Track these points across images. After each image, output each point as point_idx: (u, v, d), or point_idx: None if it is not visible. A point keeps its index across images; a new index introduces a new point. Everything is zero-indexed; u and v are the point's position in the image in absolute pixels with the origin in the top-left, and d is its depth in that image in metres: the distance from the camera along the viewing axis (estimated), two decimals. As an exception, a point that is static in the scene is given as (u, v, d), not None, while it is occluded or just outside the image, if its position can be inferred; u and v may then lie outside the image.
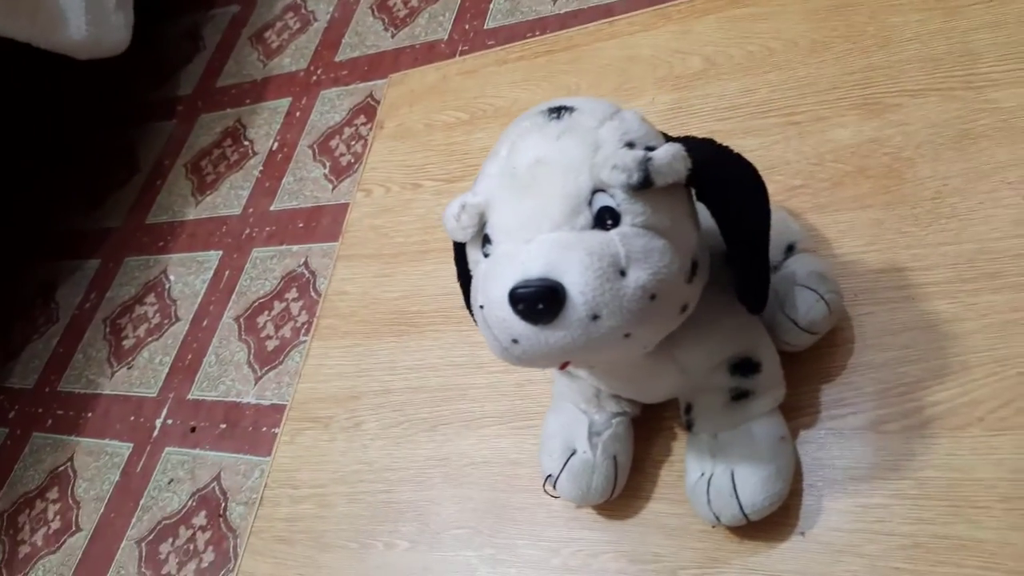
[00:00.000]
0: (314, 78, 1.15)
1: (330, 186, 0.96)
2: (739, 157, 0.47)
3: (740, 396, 0.51)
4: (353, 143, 1.01)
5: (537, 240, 0.41)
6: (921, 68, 0.65)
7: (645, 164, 0.40)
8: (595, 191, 0.41)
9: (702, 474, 0.51)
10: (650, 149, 0.42)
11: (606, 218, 0.41)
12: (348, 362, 0.78)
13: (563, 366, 0.45)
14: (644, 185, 0.40)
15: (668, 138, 0.46)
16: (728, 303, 0.49)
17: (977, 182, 0.58)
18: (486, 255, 0.44)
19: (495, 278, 0.41)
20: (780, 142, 0.68)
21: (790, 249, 0.56)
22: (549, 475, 0.55)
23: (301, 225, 0.96)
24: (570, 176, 0.41)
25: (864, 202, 0.61)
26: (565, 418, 0.56)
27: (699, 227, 0.46)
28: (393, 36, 1.10)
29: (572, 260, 0.39)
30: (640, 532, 0.55)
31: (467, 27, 1.04)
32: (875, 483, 0.50)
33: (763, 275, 0.48)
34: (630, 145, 0.42)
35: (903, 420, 0.51)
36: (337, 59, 1.16)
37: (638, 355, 0.45)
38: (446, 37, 1.05)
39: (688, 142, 0.44)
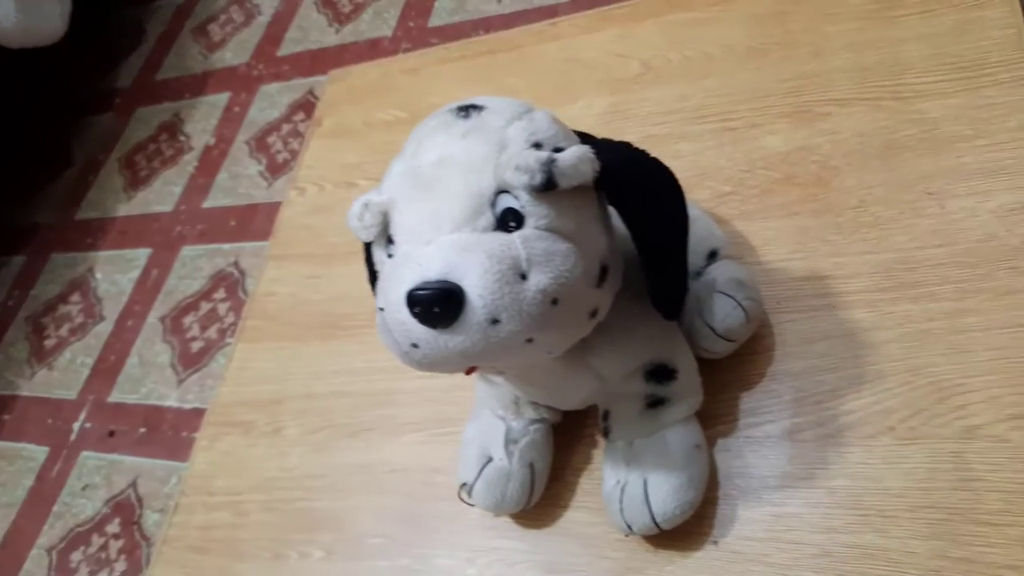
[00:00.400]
0: (255, 72, 1.13)
1: (265, 184, 0.94)
2: (655, 162, 0.46)
3: (655, 403, 0.50)
4: (291, 140, 0.99)
5: (437, 241, 0.39)
6: (851, 78, 0.66)
7: (549, 165, 0.39)
8: (499, 192, 0.40)
9: (617, 482, 0.50)
10: (558, 150, 0.41)
11: (509, 220, 0.40)
12: (273, 365, 0.75)
13: (469, 371, 0.44)
14: (547, 187, 0.39)
15: (585, 139, 0.44)
16: (644, 309, 0.48)
17: (900, 192, 0.58)
18: (390, 256, 0.43)
19: (395, 280, 0.40)
20: (713, 148, 0.68)
21: (712, 255, 0.56)
22: (464, 483, 0.54)
23: (234, 223, 0.93)
24: (473, 176, 0.40)
25: (791, 210, 0.61)
26: (482, 425, 0.55)
27: (611, 231, 0.45)
28: (337, 32, 1.08)
29: (471, 262, 0.38)
30: (557, 542, 0.54)
31: (411, 24, 1.02)
32: (788, 492, 0.50)
33: (678, 281, 0.47)
34: (537, 146, 0.41)
35: (818, 428, 0.51)
36: (279, 54, 1.13)
37: (545, 360, 0.44)
38: (390, 34, 1.03)
39: (600, 145, 0.43)
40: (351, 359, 0.72)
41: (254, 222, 0.93)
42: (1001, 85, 0.59)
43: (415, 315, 0.38)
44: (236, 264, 0.89)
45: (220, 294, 0.88)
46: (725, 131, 0.68)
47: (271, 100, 1.07)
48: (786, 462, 0.51)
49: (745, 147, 0.66)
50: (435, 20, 1.01)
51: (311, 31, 1.12)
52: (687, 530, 0.50)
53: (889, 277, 0.55)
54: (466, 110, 0.43)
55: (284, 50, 1.13)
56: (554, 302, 0.39)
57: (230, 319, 0.85)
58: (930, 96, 0.61)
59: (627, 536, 0.51)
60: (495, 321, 0.38)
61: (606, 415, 0.52)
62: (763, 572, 0.48)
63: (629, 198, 0.43)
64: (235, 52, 1.19)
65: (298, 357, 0.75)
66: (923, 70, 0.63)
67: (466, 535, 0.57)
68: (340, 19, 1.10)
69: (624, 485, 0.49)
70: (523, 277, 0.38)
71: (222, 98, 1.12)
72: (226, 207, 0.97)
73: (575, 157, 0.40)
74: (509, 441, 0.53)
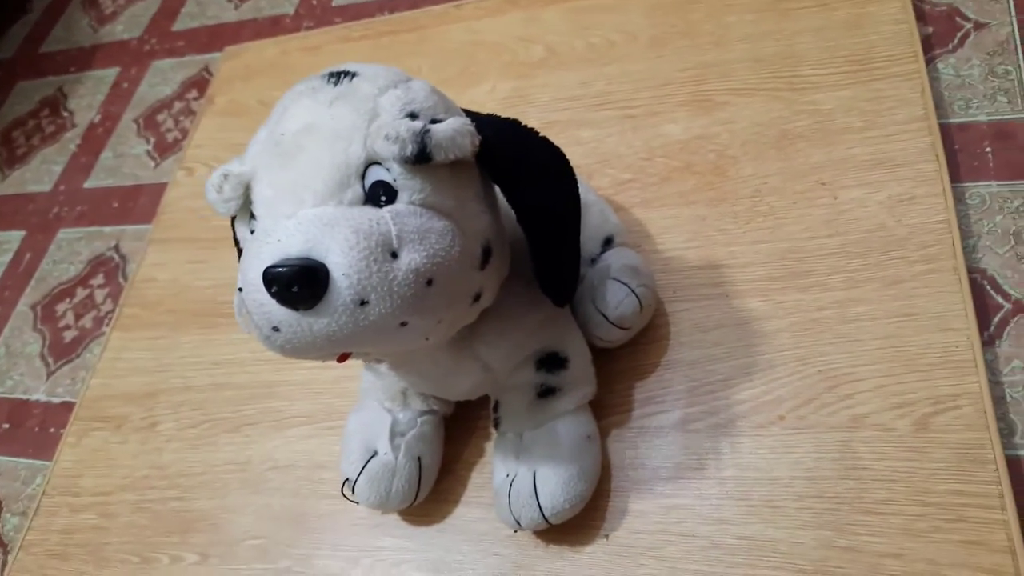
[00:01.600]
0: (147, 47, 1.06)
1: (152, 163, 0.88)
2: (544, 141, 0.44)
3: (546, 393, 0.48)
4: (182, 118, 0.93)
5: (298, 216, 0.36)
6: (749, 68, 0.65)
7: (423, 136, 0.36)
8: (369, 164, 0.37)
9: (507, 475, 0.48)
10: (436, 122, 0.38)
11: (380, 194, 0.37)
12: (149, 356, 0.70)
13: (341, 358, 0.41)
14: (421, 159, 0.37)
15: (470, 115, 0.42)
16: (535, 296, 0.46)
17: (794, 181, 0.58)
18: (252, 232, 0.39)
19: (252, 257, 0.36)
20: (614, 135, 0.67)
21: (608, 242, 0.54)
22: (347, 479, 0.50)
23: (116, 205, 0.87)
24: (339, 145, 0.37)
25: (689, 198, 0.61)
26: (367, 417, 0.52)
27: (496, 211, 0.42)
28: (237, 8, 1.02)
29: (336, 238, 0.35)
30: (445, 539, 0.52)
31: (314, 2, 0.98)
32: (680, 483, 0.49)
33: (567, 266, 0.45)
34: (412, 116, 0.38)
35: (710, 418, 0.50)
36: (174, 28, 1.06)
37: (424, 347, 0.41)
38: (292, 12, 0.98)
39: (484, 120, 0.41)
40: (235, 349, 0.67)
41: (138, 203, 0.87)
42: (891, 79, 0.60)
43: (274, 295, 0.35)
44: (117, 248, 0.83)
45: (98, 280, 0.82)
46: (626, 118, 0.67)
47: (163, 76, 1.00)
48: (678, 452, 0.50)
49: (645, 135, 0.65)
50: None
51: (209, 6, 1.06)
52: (578, 524, 0.48)
53: (782, 266, 0.55)
54: (337, 76, 0.40)
55: (180, 25, 1.07)
56: (428, 283, 0.36)
57: (108, 307, 0.79)
58: (824, 88, 0.62)
59: (516, 532, 0.49)
60: (363, 303, 0.35)
61: (496, 406, 0.50)
62: (654, 566, 0.46)
63: (513, 177, 0.41)
64: (127, 25, 1.11)
65: (176, 347, 0.70)
66: (817, 62, 0.63)
67: (350, 534, 0.54)
68: (239, -7, 1.04)
69: (513, 478, 0.47)
70: (394, 255, 0.35)
71: (110, 73, 1.05)
72: (109, 188, 0.90)
73: (452, 129, 0.37)
74: (395, 434, 0.50)
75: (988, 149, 0.56)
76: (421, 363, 0.47)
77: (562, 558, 0.49)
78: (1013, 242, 0.52)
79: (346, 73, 0.40)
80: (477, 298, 0.40)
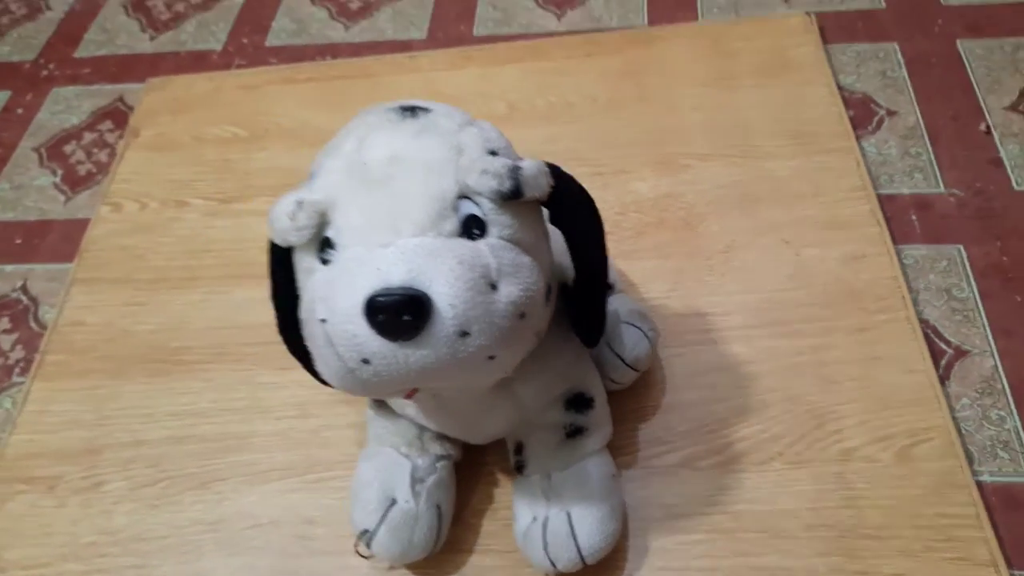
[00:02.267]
0: (45, 72, 0.97)
1: (62, 197, 0.80)
2: (581, 186, 0.46)
3: (574, 433, 0.49)
4: (96, 151, 0.86)
5: (397, 244, 0.35)
6: (705, 136, 0.72)
7: (516, 173, 0.38)
8: (460, 197, 0.37)
9: (534, 518, 0.48)
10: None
11: (472, 227, 0.37)
12: (85, 407, 0.63)
13: (409, 395, 0.40)
14: (514, 195, 0.38)
15: None
16: (564, 336, 0.47)
17: (759, 238, 0.64)
18: (325, 261, 0.38)
19: (344, 286, 0.35)
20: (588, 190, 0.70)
21: (610, 288, 0.57)
22: (365, 531, 0.48)
23: (19, 241, 0.78)
24: (433, 177, 0.37)
25: (665, 251, 0.65)
26: (382, 463, 0.50)
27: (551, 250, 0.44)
28: (152, 39, 0.97)
29: (440, 268, 0.35)
30: (461, 589, 0.50)
31: (245, 41, 0.95)
32: (695, 519, 0.51)
33: (603, 308, 0.47)
34: (493, 154, 0.39)
35: (714, 456, 0.53)
36: (77, 55, 0.99)
37: (490, 382, 0.41)
38: (219, 48, 0.95)
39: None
40: (193, 398, 0.62)
41: (47, 241, 0.79)
42: (830, 152, 0.69)
43: (375, 324, 0.34)
44: (24, 288, 0.74)
45: (3, 324, 0.73)
46: (595, 175, 0.71)
47: (67, 104, 0.92)
48: (688, 490, 0.52)
49: (616, 191, 0.70)
50: (273, 40, 0.95)
51: (118, 34, 1.00)
52: (604, 564, 0.49)
53: (759, 315, 0.60)
54: (411, 110, 0.40)
55: (84, 51, 0.99)
56: (521, 316, 0.37)
57: (17, 354, 0.70)
58: (775, 157, 0.69)
59: (554, 573, 0.49)
60: (464, 334, 0.35)
61: (519, 447, 0.50)
62: (680, 601, 0.48)
63: (571, 218, 0.43)
64: (15, 47, 1.02)
65: (118, 397, 0.63)
66: (766, 134, 0.71)
67: (352, 592, 0.51)
68: (155, 26, 0.99)
69: (545, 520, 0.47)
70: (493, 287, 0.36)
71: (0, 96, 0.95)
72: (8, 222, 0.81)
73: (536, 168, 0.39)
74: (415, 480, 0.49)
75: (914, 217, 0.65)
76: (459, 403, 0.46)
77: (588, 600, 0.49)
78: (946, 297, 0.60)
79: (419, 108, 0.40)
80: (538, 333, 0.41)
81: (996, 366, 0.56)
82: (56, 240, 0.79)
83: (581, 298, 0.45)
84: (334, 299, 0.35)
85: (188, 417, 0.61)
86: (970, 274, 0.61)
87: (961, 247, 0.63)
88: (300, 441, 0.58)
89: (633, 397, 0.56)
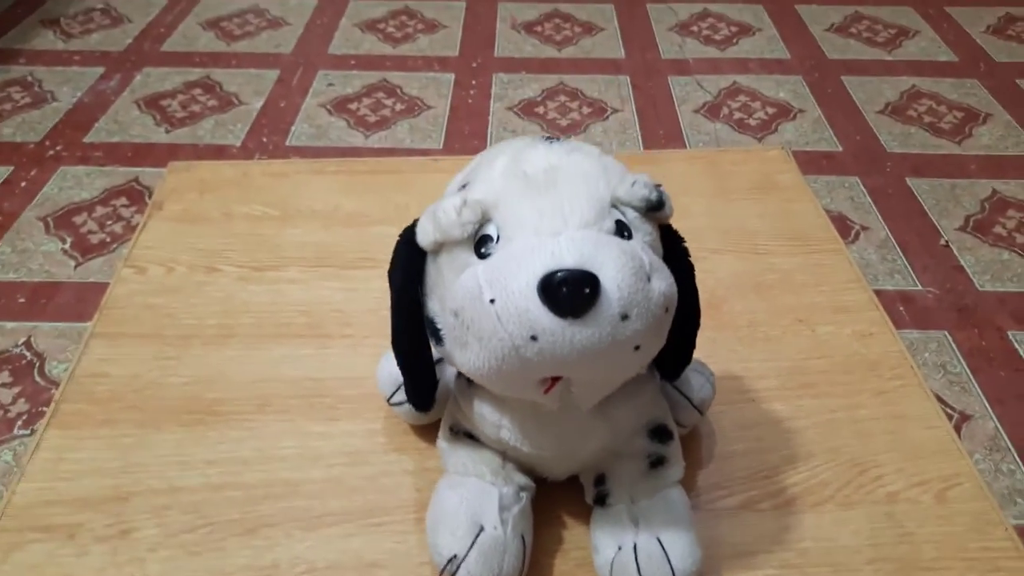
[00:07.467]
0: (51, 153, 0.98)
1: (72, 262, 0.79)
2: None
3: (657, 463, 0.51)
4: (109, 223, 0.86)
5: (567, 234, 0.39)
6: (715, 235, 0.80)
7: (659, 188, 0.43)
8: (611, 205, 0.42)
9: (620, 547, 0.49)
10: None
11: (624, 231, 0.42)
12: (109, 456, 0.59)
13: (548, 388, 0.42)
14: (657, 208, 0.43)
15: None
16: (649, 367, 0.51)
17: (778, 317, 0.71)
18: (483, 256, 0.41)
19: (517, 267, 0.38)
20: (608, 275, 0.76)
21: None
22: (454, 556, 0.47)
23: (23, 300, 0.76)
24: (591, 183, 0.42)
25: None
26: (468, 492, 0.50)
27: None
28: (168, 132, 1.01)
29: (608, 255, 0.39)
30: (540, 628, 0.49)
31: (265, 140, 1.00)
32: (763, 556, 0.53)
33: (693, 342, 0.51)
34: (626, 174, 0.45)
35: (772, 500, 0.56)
36: (87, 140, 1.01)
37: (626, 377, 0.44)
38: (238, 144, 0.99)
39: None
40: (234, 447, 0.60)
41: (54, 300, 0.76)
42: (825, 253, 0.78)
43: (549, 300, 0.37)
44: (28, 344, 0.71)
45: (3, 378, 0.69)
46: (618, 263, 0.77)
47: (77, 181, 0.93)
48: (752, 530, 0.54)
49: (639, 276, 0.75)
50: (293, 141, 1.00)
51: (131, 126, 1.03)
52: (682, 598, 0.49)
53: (791, 379, 0.65)
54: (555, 138, 0.46)
55: (94, 137, 1.01)
56: (666, 310, 0.41)
57: (19, 408, 0.66)
58: (778, 255, 0.78)
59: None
60: (625, 317, 0.38)
61: (600, 479, 0.51)
62: (764, 631, 0.48)
63: (677, 249, 0.48)
64: (19, 129, 1.03)
65: (148, 446, 0.60)
66: (767, 237, 0.80)
67: (428, 633, 0.49)
68: (170, 121, 1.04)
69: (634, 546, 0.48)
70: (648, 279, 0.40)
71: (1, 171, 0.95)
72: (10, 282, 0.78)
73: (666, 192, 0.44)
74: (502, 508, 0.49)
75: (901, 308, 0.74)
76: (560, 422, 0.48)
77: (672, 634, 0.48)
78: (943, 372, 0.68)
79: (560, 137, 0.46)
80: (652, 354, 0.45)
81: (997, 428, 0.63)
82: (67, 300, 0.77)
83: (676, 331, 0.49)
84: (506, 280, 0.38)
85: (230, 464, 0.58)
86: (959, 353, 0.69)
87: (946, 332, 0.71)
88: (357, 487, 0.57)
89: (686, 446, 0.59)
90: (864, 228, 0.82)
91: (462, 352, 0.41)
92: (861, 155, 0.93)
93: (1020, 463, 0.58)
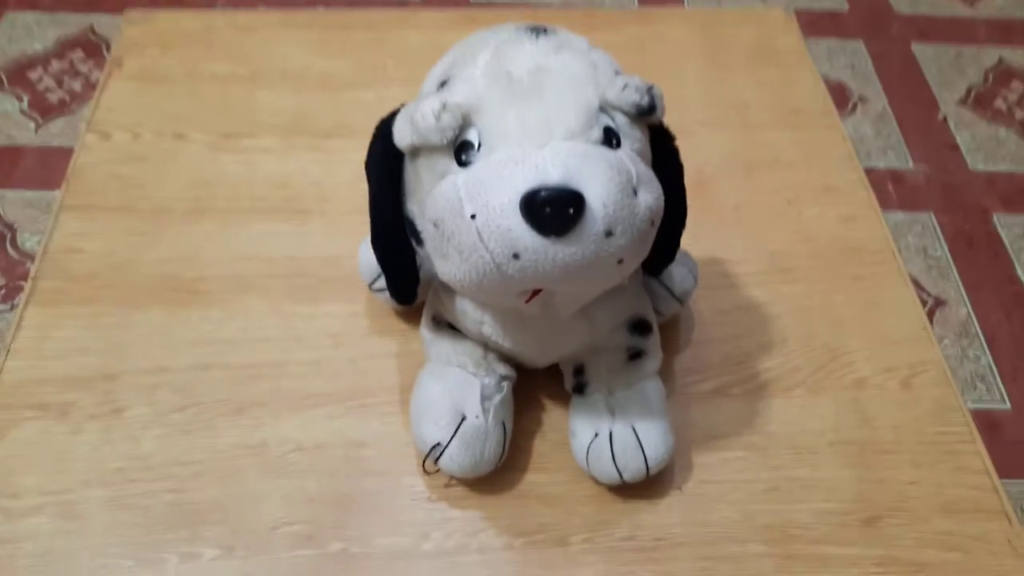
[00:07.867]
0: (-7, -5, 0.90)
1: (32, 124, 0.75)
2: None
3: (636, 356, 0.52)
4: (68, 79, 0.81)
5: (552, 146, 0.37)
6: (706, 107, 0.77)
7: (651, 91, 0.40)
8: (600, 110, 0.40)
9: (596, 434, 0.51)
10: None
11: (611, 139, 0.40)
12: (93, 335, 0.60)
13: (529, 298, 0.42)
14: (648, 112, 0.41)
15: None
16: (632, 264, 0.50)
17: (764, 199, 0.70)
18: (463, 163, 0.39)
19: (500, 183, 0.37)
20: (595, 148, 0.73)
21: (649, 230, 0.60)
22: (437, 444, 0.49)
23: (-15, 166, 0.72)
24: (579, 88, 0.39)
25: (678, 206, 0.69)
26: (451, 382, 0.51)
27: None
28: (121, -29, 0.92)
29: (594, 170, 0.37)
30: (519, 505, 0.52)
31: (229, -17, 0.92)
32: (732, 439, 0.55)
33: (679, 240, 0.50)
34: (617, 73, 0.42)
35: (744, 385, 0.58)
36: (30, -21, 0.92)
37: (605, 287, 0.44)
38: (200, -9, 0.91)
39: None
40: (216, 328, 0.60)
41: (20, 167, 0.73)
42: (818, 128, 0.76)
43: (532, 219, 0.36)
44: (-1, 216, 0.69)
45: (-25, 251, 0.67)
46: (605, 135, 0.75)
47: (27, 30, 0.86)
48: (724, 414, 0.57)
49: (627, 150, 0.73)
50: (260, -17, 0.92)
51: (80, -37, 0.94)
52: (650, 480, 0.52)
53: (771, 265, 0.65)
54: (540, 30, 0.42)
55: (39, -23, 0.92)
56: (652, 223, 0.40)
57: (-3, 281, 0.65)
58: (770, 129, 0.76)
59: (613, 486, 0.51)
60: (609, 233, 0.37)
61: (580, 370, 0.53)
62: (727, 509, 0.52)
63: (661, 149, 0.46)
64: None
65: (132, 325, 0.60)
66: (760, 109, 0.77)
67: (411, 510, 0.52)
68: (123, -41, 0.94)
69: (610, 434, 0.50)
70: (635, 193, 0.38)
71: (-57, 16, 0.87)
72: (-30, 145, 0.74)
73: (659, 91, 0.42)
74: (484, 397, 0.50)
75: (890, 187, 0.74)
76: (541, 321, 0.48)
77: (642, 510, 0.52)
78: (923, 255, 0.68)
79: (546, 28, 0.42)
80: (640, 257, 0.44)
81: (969, 313, 0.64)
82: (31, 166, 0.74)
83: (661, 231, 0.48)
84: (487, 195, 0.37)
85: (214, 345, 0.59)
86: (941, 237, 0.69)
87: (932, 214, 0.71)
88: (340, 371, 0.58)
89: (664, 333, 0.60)
90: (862, 99, 0.79)
91: (442, 262, 0.40)
92: (868, 16, 0.88)
93: (986, 349, 0.61)
